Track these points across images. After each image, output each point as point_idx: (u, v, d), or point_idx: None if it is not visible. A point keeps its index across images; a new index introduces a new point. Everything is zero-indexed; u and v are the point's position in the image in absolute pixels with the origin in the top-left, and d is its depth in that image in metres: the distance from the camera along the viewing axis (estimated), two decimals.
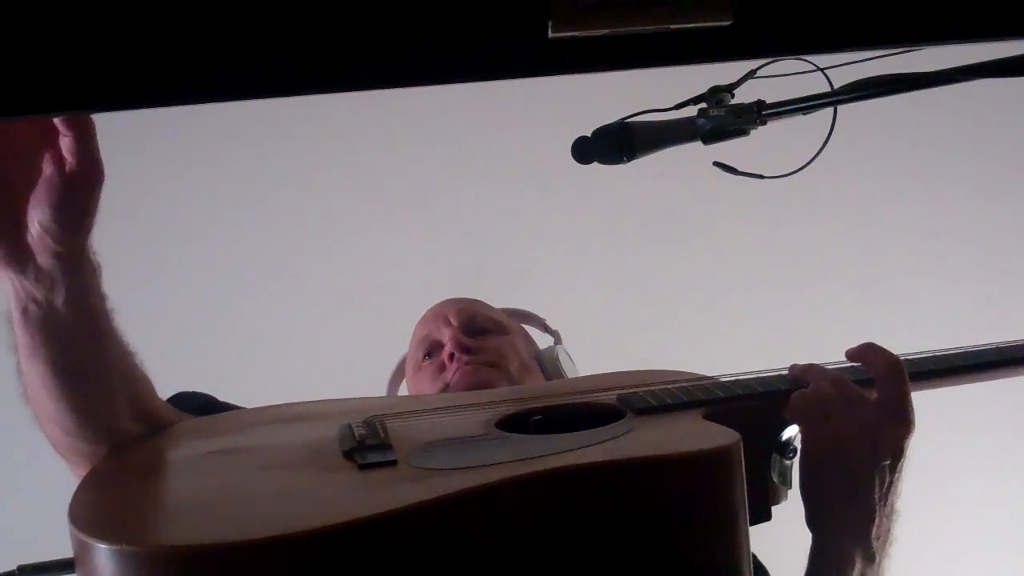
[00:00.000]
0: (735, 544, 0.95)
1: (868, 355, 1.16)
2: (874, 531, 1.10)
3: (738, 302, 2.48)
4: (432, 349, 1.45)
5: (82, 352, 0.99)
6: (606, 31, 0.60)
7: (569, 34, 0.60)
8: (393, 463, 0.95)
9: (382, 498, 0.88)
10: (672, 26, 0.60)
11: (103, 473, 1.00)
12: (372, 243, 2.50)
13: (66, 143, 0.87)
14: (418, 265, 2.43)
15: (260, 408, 1.17)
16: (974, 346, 1.26)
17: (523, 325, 1.58)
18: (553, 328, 1.59)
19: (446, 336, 1.42)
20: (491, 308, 1.52)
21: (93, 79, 0.60)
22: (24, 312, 0.95)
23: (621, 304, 2.44)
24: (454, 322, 1.45)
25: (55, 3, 0.58)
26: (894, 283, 2.46)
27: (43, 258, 0.92)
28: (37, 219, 0.90)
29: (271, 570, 0.81)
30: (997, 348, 1.25)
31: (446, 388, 1.38)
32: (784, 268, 2.51)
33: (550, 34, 0.60)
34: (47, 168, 0.89)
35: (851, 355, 1.17)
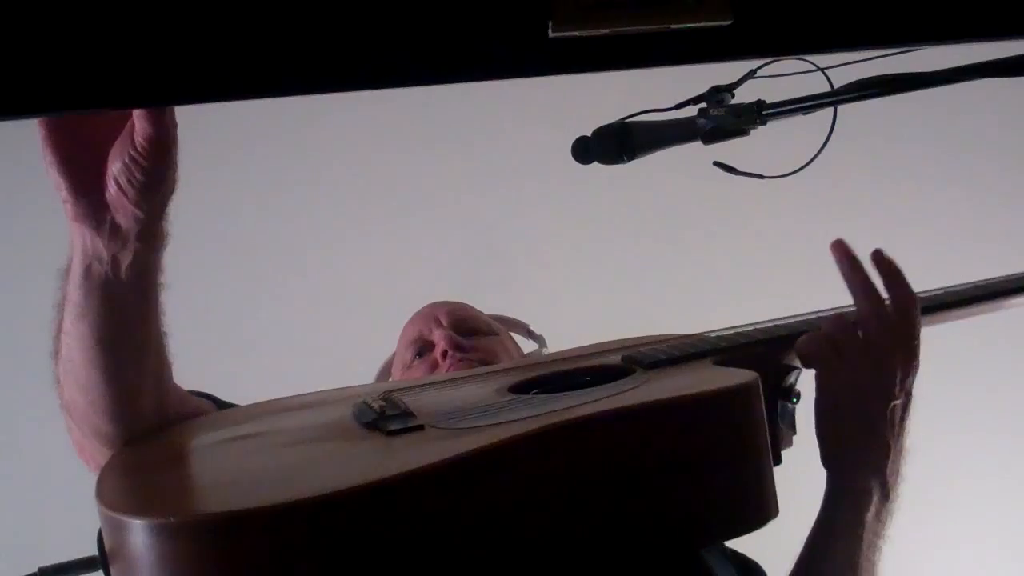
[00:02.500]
0: (761, 477, 0.98)
1: (890, 279, 1.17)
2: (889, 466, 1.13)
3: (737, 302, 2.47)
4: (423, 349, 1.45)
5: (129, 324, 0.99)
6: (606, 31, 0.60)
7: (569, 34, 0.60)
8: (420, 428, 0.96)
9: (418, 455, 0.88)
10: (672, 26, 0.60)
11: (126, 462, 1.00)
12: (371, 243, 2.49)
13: (136, 117, 0.88)
14: (418, 265, 2.43)
15: (265, 402, 1.17)
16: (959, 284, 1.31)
17: (507, 331, 1.59)
18: (537, 333, 1.60)
19: (438, 335, 1.43)
20: (477, 311, 1.54)
21: (96, 78, 0.60)
22: (87, 269, 0.95)
23: (620, 304, 2.43)
24: (445, 322, 1.46)
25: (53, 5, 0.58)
26: None
27: (121, 218, 0.92)
28: (115, 178, 0.90)
29: (317, 529, 0.81)
30: (999, 280, 1.32)
31: None
32: (784, 269, 2.51)
33: (550, 34, 0.60)
34: (127, 127, 0.90)
35: (877, 259, 1.19)
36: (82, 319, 0.97)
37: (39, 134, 0.89)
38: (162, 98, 0.63)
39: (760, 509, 0.97)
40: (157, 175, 0.90)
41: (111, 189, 0.91)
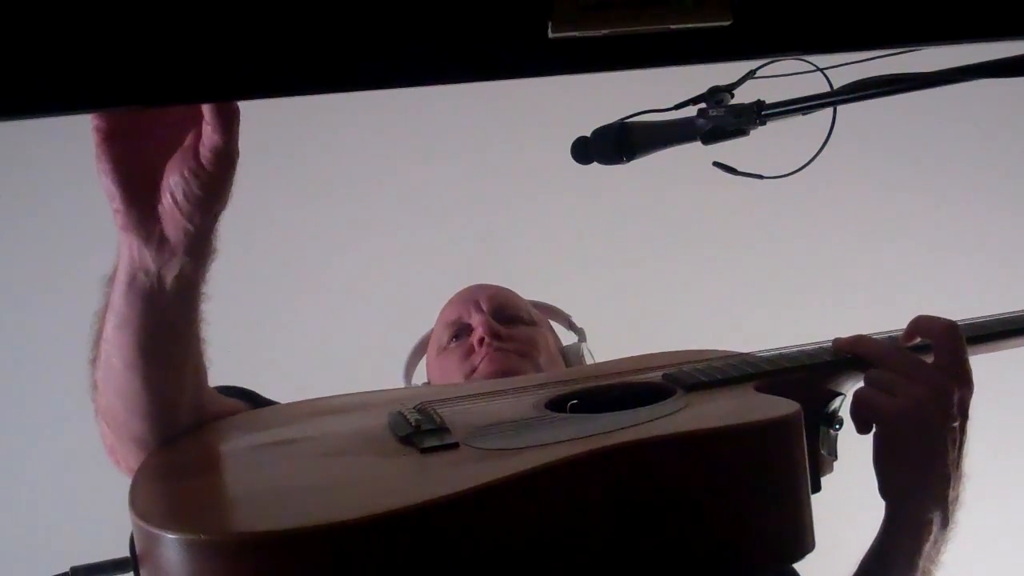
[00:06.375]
0: (799, 511, 0.96)
1: (921, 325, 1.15)
2: (951, 494, 1.10)
3: (737, 303, 2.48)
4: (460, 332, 1.43)
5: (172, 334, 0.99)
6: (606, 31, 0.60)
7: (569, 34, 0.60)
8: (455, 446, 0.95)
9: (453, 479, 0.88)
10: (672, 26, 0.60)
11: (160, 467, 0.99)
12: (372, 243, 2.49)
13: (207, 129, 0.87)
14: (418, 265, 2.43)
15: (301, 402, 1.16)
16: (1014, 311, 1.26)
17: (548, 320, 1.56)
18: (579, 326, 1.58)
19: (476, 320, 1.41)
20: (520, 298, 1.51)
21: (99, 78, 0.60)
22: (132, 279, 0.94)
23: (619, 305, 2.44)
24: (485, 307, 1.43)
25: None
26: (893, 283, 2.46)
27: (171, 231, 0.91)
28: (170, 191, 0.89)
29: (352, 553, 0.80)
30: None
31: (472, 372, 1.37)
32: (783, 268, 2.51)
33: (550, 34, 0.60)
34: (188, 141, 0.89)
35: (904, 337, 1.17)
36: (124, 328, 0.97)
37: (94, 141, 0.88)
38: (159, 98, 0.63)
39: (797, 543, 0.96)
40: (216, 190, 0.89)
41: (165, 201, 0.90)
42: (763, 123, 1.00)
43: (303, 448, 1.02)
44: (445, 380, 1.41)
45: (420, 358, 1.56)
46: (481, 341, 1.37)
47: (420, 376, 1.55)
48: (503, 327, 1.40)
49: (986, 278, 2.49)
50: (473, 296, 1.46)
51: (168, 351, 1.00)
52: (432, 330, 1.53)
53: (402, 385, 1.52)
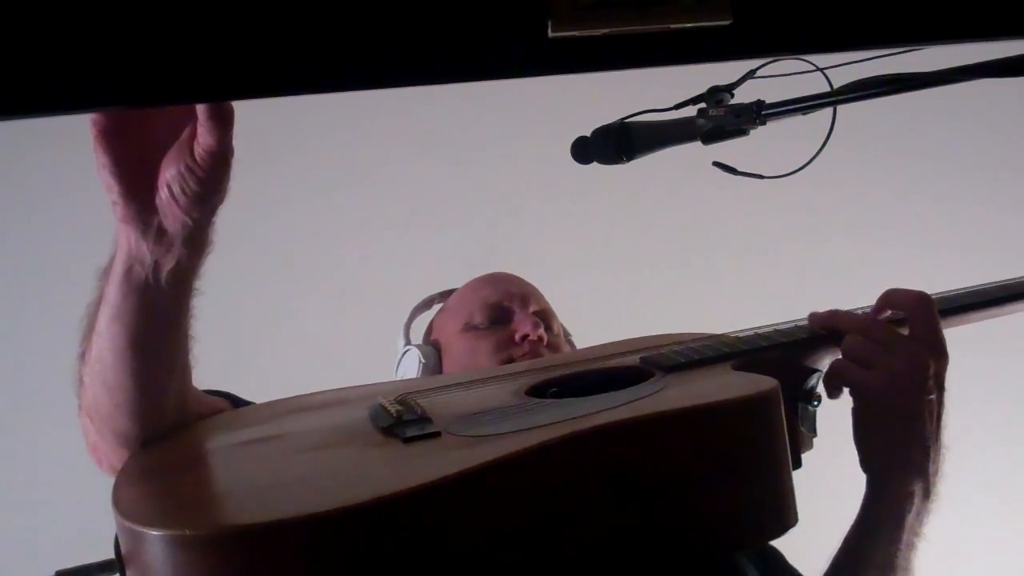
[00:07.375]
0: (781, 486, 0.96)
1: (893, 298, 1.16)
2: (931, 466, 1.11)
3: (736, 302, 2.48)
4: (500, 317, 1.43)
5: (163, 328, 0.99)
6: (606, 31, 0.61)
7: (569, 34, 0.61)
8: (437, 435, 0.95)
9: (436, 466, 0.88)
10: (672, 26, 0.60)
11: (143, 466, 1.00)
12: (372, 242, 2.50)
13: (201, 130, 0.87)
14: (416, 264, 2.43)
15: (282, 399, 1.16)
16: (985, 283, 1.29)
17: None
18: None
19: (524, 316, 1.41)
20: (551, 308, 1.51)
21: (97, 79, 0.60)
22: (128, 271, 0.95)
23: (619, 304, 2.44)
24: (532, 307, 1.43)
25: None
26: (892, 282, 2.46)
27: (169, 223, 0.91)
28: (167, 184, 0.90)
29: (338, 542, 0.80)
30: (1003, 284, 1.29)
31: (508, 363, 1.35)
32: (783, 268, 2.51)
33: (550, 34, 0.60)
34: (185, 135, 0.89)
35: (876, 310, 1.18)
36: (117, 320, 0.97)
37: (91, 135, 0.88)
38: (157, 98, 0.63)
39: (780, 518, 0.96)
40: (212, 186, 0.90)
41: (162, 194, 0.90)
42: (763, 123, 1.00)
43: (286, 443, 1.02)
44: (470, 360, 1.41)
45: (422, 313, 1.56)
46: (525, 338, 1.38)
47: (416, 335, 1.54)
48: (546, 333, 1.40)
49: (985, 277, 2.49)
50: (520, 290, 1.46)
51: (159, 345, 1.00)
52: (446, 294, 1.53)
53: (395, 372, 1.52)
